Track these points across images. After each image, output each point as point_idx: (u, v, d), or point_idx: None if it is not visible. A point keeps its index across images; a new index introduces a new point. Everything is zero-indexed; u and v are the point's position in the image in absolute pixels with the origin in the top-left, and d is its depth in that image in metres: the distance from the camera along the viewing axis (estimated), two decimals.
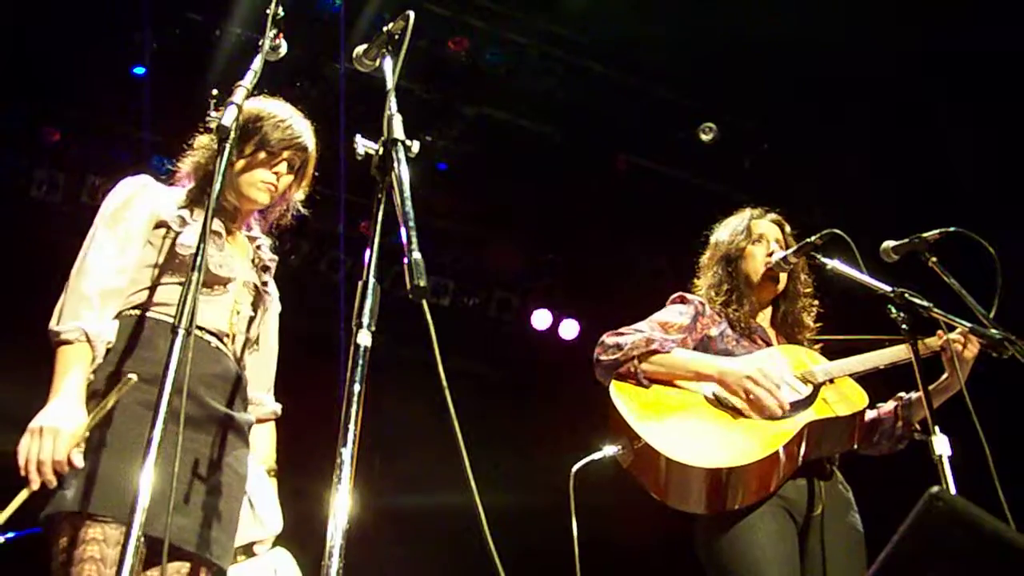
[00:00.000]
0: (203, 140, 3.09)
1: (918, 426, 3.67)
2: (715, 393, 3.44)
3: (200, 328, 2.79)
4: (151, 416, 2.48)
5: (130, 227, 2.84)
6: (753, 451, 3.23)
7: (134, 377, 2.52)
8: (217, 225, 2.92)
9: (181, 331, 2.23)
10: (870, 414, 3.70)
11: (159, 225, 2.87)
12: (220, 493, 2.76)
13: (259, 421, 3.15)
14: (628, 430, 3.32)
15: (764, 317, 3.82)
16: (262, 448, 3.18)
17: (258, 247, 3.15)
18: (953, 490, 2.88)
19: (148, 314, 2.77)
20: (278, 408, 3.27)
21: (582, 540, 3.40)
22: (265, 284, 3.09)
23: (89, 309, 2.64)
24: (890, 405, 3.72)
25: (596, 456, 3.37)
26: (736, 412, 3.39)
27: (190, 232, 2.84)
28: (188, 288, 2.27)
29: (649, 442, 3.25)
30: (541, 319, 8.65)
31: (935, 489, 1.90)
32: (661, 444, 3.24)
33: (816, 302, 3.85)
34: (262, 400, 3.19)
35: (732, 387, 3.41)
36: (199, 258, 2.30)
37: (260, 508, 3.01)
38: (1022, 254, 3.72)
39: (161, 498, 2.41)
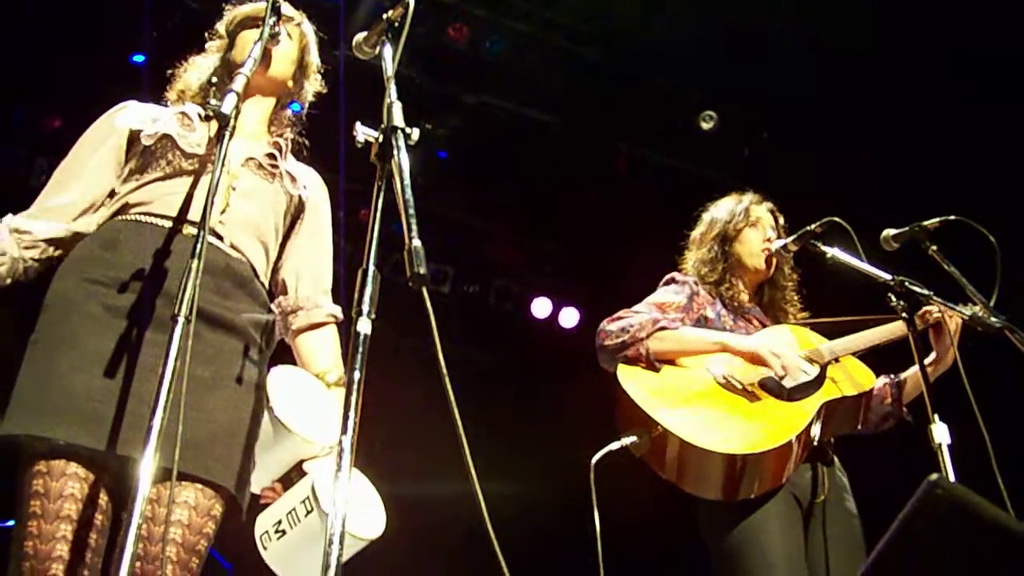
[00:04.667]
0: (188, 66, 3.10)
1: (906, 409, 3.69)
2: (725, 376, 3.43)
3: (179, 220, 2.68)
4: (107, 319, 2.52)
5: (93, 142, 2.85)
6: (774, 435, 3.21)
7: None
8: (191, 111, 2.88)
9: (181, 319, 2.20)
10: None
11: (133, 138, 2.83)
12: (204, 407, 2.53)
13: (313, 327, 2.95)
14: (643, 418, 3.28)
15: (754, 300, 3.83)
16: (319, 357, 2.93)
17: (276, 136, 3.05)
18: (952, 478, 2.89)
19: (119, 217, 2.73)
20: (336, 310, 2.99)
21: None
22: (272, 157, 2.93)
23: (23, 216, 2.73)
24: (880, 382, 3.72)
25: (614, 446, 3.32)
26: (750, 395, 3.38)
27: (155, 125, 2.81)
28: (188, 276, 2.25)
29: (670, 430, 3.20)
30: (541, 307, 8.65)
31: (934, 477, 1.90)
32: (683, 431, 3.20)
33: (795, 294, 3.87)
34: (316, 302, 2.97)
35: (760, 354, 3.40)
36: (199, 245, 2.28)
37: (297, 424, 2.69)
38: (1022, 242, 3.71)
39: (103, 404, 2.42)
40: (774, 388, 3.42)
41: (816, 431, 3.35)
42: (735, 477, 3.20)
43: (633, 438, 3.30)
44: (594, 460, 3.33)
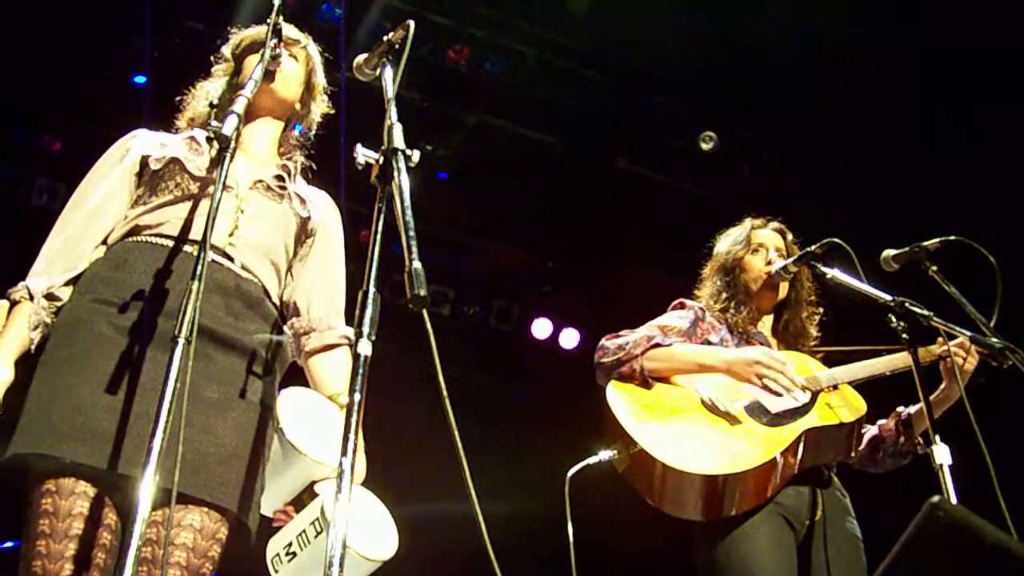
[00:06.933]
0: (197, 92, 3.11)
1: (920, 439, 3.66)
2: (710, 398, 3.44)
3: (188, 241, 2.69)
4: (116, 339, 2.52)
5: (104, 171, 2.86)
6: (750, 457, 3.22)
7: None
8: (199, 135, 2.89)
9: (181, 340, 2.20)
10: (871, 431, 3.69)
11: (144, 163, 2.84)
12: (210, 429, 2.53)
13: (326, 348, 2.93)
14: (623, 434, 3.32)
15: (764, 325, 3.83)
16: (332, 379, 2.91)
17: (285, 159, 3.05)
18: (954, 499, 2.87)
19: (129, 239, 2.73)
20: (349, 332, 2.94)
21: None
22: (280, 179, 2.93)
23: (43, 264, 2.72)
24: (891, 422, 3.70)
25: (591, 460, 3.38)
26: (731, 418, 3.39)
27: (163, 150, 2.83)
28: (188, 297, 2.25)
29: (645, 447, 3.24)
30: (541, 328, 8.64)
31: (936, 499, 1.89)
32: (657, 449, 3.23)
33: (820, 310, 3.86)
34: (329, 324, 2.95)
35: (742, 374, 3.43)
36: (200, 267, 2.28)
37: (308, 446, 2.68)
38: (1022, 262, 3.71)
39: (107, 423, 2.41)
40: (758, 413, 3.42)
41: (800, 455, 3.34)
42: (713, 497, 3.21)
43: (612, 453, 3.37)
44: (570, 474, 3.41)
